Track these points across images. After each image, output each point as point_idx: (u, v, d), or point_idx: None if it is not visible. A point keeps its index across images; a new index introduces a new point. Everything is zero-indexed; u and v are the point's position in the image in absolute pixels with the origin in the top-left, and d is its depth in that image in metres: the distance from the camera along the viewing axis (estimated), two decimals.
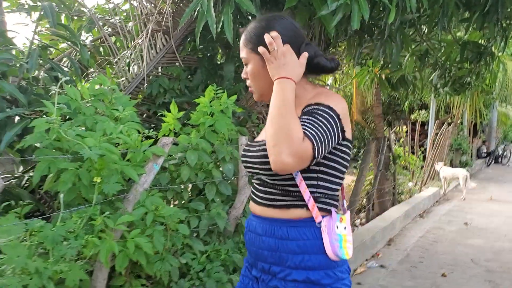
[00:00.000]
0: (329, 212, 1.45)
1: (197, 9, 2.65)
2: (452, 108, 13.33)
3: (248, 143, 1.62)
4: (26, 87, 2.72)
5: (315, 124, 1.33)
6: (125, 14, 4.15)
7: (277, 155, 1.29)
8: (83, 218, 1.90)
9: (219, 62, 3.84)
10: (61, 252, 1.80)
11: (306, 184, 1.41)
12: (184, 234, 2.33)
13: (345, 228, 1.46)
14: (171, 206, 2.72)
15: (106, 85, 2.48)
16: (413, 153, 10.93)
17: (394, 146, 8.02)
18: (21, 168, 2.95)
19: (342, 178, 1.50)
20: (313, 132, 1.31)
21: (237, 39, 2.64)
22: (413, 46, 4.47)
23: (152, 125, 3.65)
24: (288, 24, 1.50)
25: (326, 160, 1.42)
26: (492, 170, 16.65)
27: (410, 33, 4.49)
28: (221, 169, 2.84)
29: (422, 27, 4.59)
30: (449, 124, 11.77)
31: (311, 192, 1.42)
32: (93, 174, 1.95)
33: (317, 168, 1.41)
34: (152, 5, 3.43)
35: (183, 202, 2.75)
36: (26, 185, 2.78)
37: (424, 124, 14.44)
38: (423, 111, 16.66)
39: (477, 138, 17.68)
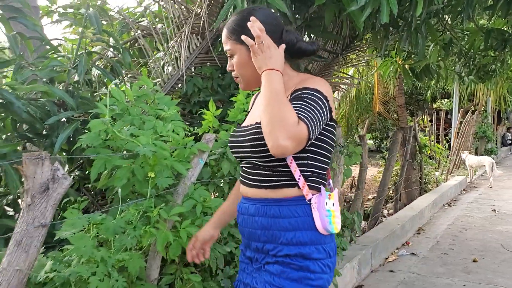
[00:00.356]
0: (319, 190, 1.52)
1: (230, 10, 2.78)
2: (476, 96, 13.21)
3: (235, 129, 1.69)
4: (73, 91, 2.88)
5: (306, 107, 1.40)
6: (154, 16, 4.30)
7: (275, 140, 1.35)
8: (140, 210, 2.05)
9: None
10: (122, 242, 1.95)
11: (297, 164, 1.48)
12: (230, 224, 2.47)
13: (333, 204, 1.53)
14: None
15: (149, 86, 2.62)
16: (438, 142, 10.90)
17: (419, 135, 8.03)
18: (66, 167, 3.13)
19: (329, 158, 1.57)
20: (306, 114, 1.38)
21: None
22: (437, 36, 4.51)
23: (186, 123, 3.80)
24: (268, 14, 1.57)
25: (316, 141, 1.49)
26: None
27: (434, 23, 4.54)
28: None
29: (445, 16, 4.63)
30: (473, 112, 11.68)
31: (301, 171, 1.49)
32: (146, 169, 2.10)
33: (307, 148, 1.46)
34: (184, 7, 3.57)
35: (223, 195, 2.88)
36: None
37: (448, 113, 14.34)
38: (446, 100, 16.53)
39: (501, 125, 17.46)
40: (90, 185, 2.97)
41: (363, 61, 5.89)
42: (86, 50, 2.75)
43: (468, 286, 4.10)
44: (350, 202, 6.53)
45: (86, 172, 3.04)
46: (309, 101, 1.42)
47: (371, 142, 15.81)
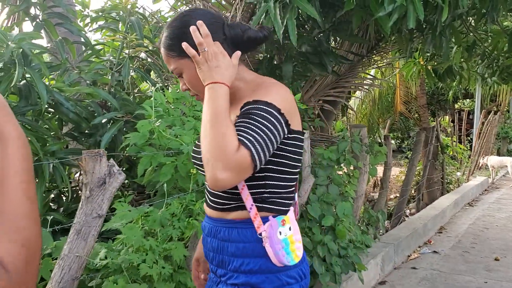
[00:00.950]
0: (280, 212, 1.34)
1: (262, 16, 2.93)
2: (498, 96, 13.13)
3: (196, 143, 1.53)
4: (115, 93, 3.08)
5: (252, 127, 1.21)
6: None
7: (211, 171, 1.17)
8: (183, 204, 2.21)
9: (275, 63, 4.11)
10: (168, 233, 2.12)
11: (253, 185, 1.31)
12: None
13: (290, 228, 1.34)
14: None
15: None
16: (460, 142, 10.90)
17: (441, 136, 8.09)
18: None
19: (295, 173, 1.38)
20: (249, 137, 1.19)
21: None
22: (461, 38, 4.60)
23: None
24: (204, 13, 1.37)
25: (274, 157, 1.30)
26: None
27: (458, 25, 4.63)
28: None
29: (469, 18, 4.71)
30: (495, 113, 11.63)
31: (258, 194, 1.32)
32: (189, 166, 2.26)
33: (264, 167, 1.28)
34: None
35: None
36: None
37: (469, 113, 14.27)
38: (468, 100, 16.43)
39: None
40: (126, 181, 3.16)
41: (386, 62, 5.99)
42: (128, 55, 2.93)
43: (490, 283, 4.19)
44: (373, 201, 6.63)
45: (123, 169, 3.23)
46: (257, 117, 1.22)
47: (392, 142, 15.83)
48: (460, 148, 9.50)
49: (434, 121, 8.76)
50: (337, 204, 3.41)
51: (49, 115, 2.99)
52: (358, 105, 11.61)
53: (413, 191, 7.69)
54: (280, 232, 1.31)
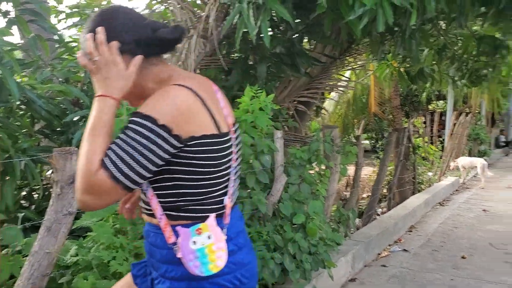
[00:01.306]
0: (195, 219, 1.28)
1: (236, 16, 2.97)
2: (470, 98, 13.46)
3: None
4: (87, 91, 3.08)
5: (120, 145, 1.15)
6: (160, 18, 4.48)
7: (76, 192, 1.15)
8: None
9: (251, 63, 4.16)
10: (139, 231, 2.15)
11: (163, 194, 1.27)
12: None
13: (209, 237, 1.27)
14: None
15: None
16: (432, 143, 11.14)
17: (413, 136, 8.27)
18: None
19: (218, 177, 1.31)
20: (112, 157, 1.14)
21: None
22: (431, 41, 4.73)
23: None
24: (116, 14, 1.28)
25: (178, 166, 1.24)
26: (511, 159, 16.71)
27: (428, 28, 4.76)
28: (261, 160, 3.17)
29: (439, 22, 4.85)
30: (466, 114, 11.93)
31: (170, 202, 1.27)
32: None
33: (170, 176, 1.25)
34: (191, 12, 3.77)
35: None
36: None
37: (442, 114, 14.59)
38: (441, 101, 16.77)
39: (495, 128, 17.73)
40: None
41: (359, 64, 6.10)
42: None
43: (456, 281, 4.32)
44: (346, 200, 6.74)
45: None
46: (128, 134, 1.16)
47: (366, 142, 16.03)
48: (432, 149, 9.72)
49: (408, 122, 8.97)
50: (308, 203, 3.48)
51: (21, 112, 2.98)
52: (334, 106, 11.75)
53: (385, 191, 7.85)
54: (195, 242, 1.26)
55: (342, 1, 2.90)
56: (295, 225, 3.37)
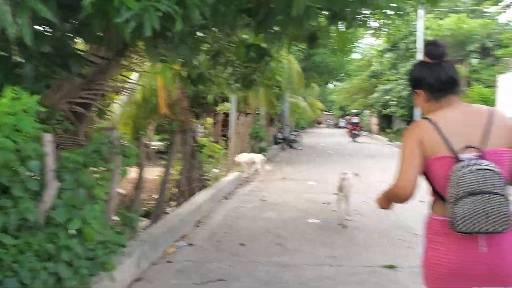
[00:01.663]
0: None
1: None
2: (248, 100, 14.76)
3: None
4: None
5: None
6: None
7: None
8: None
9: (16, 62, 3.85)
10: None
11: None
12: None
13: None
14: None
15: None
16: (217, 142, 11.89)
17: (200, 136, 8.72)
18: None
19: None
20: None
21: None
22: (205, 47, 5.08)
23: None
24: None
25: None
26: (286, 153, 18.92)
27: (203, 35, 5.08)
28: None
29: (213, 29, 5.23)
30: (247, 115, 13.05)
31: None
32: None
33: None
34: None
35: None
36: None
37: (227, 115, 15.65)
38: (227, 103, 17.98)
39: (273, 126, 19.82)
40: None
41: (141, 67, 6.17)
42: None
43: (235, 267, 4.72)
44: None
45: None
46: None
47: (160, 143, 16.18)
48: (216, 148, 10.38)
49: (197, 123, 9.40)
50: (86, 207, 3.40)
51: None
52: (124, 108, 11.56)
53: (177, 190, 8.11)
54: None
55: (109, 4, 2.91)
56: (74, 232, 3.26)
